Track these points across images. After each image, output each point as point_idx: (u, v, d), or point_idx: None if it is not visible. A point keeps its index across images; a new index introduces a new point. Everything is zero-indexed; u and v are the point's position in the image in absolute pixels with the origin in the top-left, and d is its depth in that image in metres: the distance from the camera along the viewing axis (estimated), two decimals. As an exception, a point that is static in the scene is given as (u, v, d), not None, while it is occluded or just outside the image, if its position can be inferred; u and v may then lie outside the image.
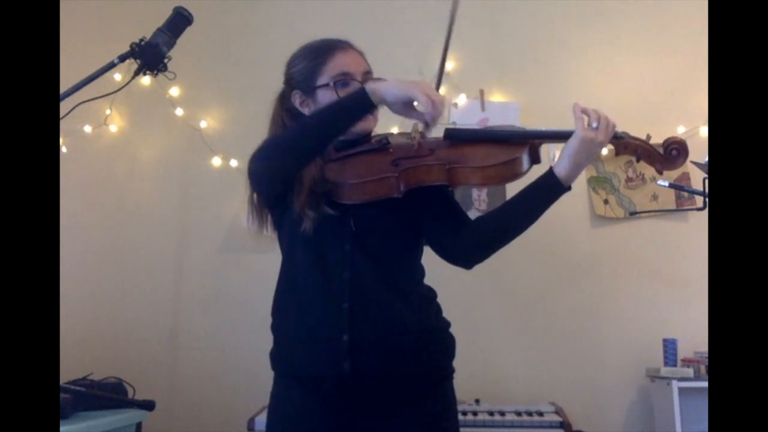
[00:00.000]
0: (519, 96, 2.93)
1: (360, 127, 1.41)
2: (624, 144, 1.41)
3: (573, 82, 2.93)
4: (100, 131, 3.03)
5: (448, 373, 1.46)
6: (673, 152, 1.38)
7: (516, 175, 1.38)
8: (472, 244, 1.44)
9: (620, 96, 2.89)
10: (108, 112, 3.00)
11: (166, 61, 1.47)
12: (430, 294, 1.49)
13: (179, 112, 3.01)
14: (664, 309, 2.74)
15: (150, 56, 1.45)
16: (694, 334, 2.58)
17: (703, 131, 2.80)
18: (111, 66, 1.43)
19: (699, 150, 2.73)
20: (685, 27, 2.87)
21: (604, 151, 2.83)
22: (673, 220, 2.82)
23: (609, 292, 2.78)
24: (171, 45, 1.48)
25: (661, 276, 2.77)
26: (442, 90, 2.91)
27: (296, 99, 1.48)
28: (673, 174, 2.78)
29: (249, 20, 3.10)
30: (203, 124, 3.01)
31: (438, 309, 1.50)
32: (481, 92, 2.91)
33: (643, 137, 1.42)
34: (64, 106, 1.28)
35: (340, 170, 1.38)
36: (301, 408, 1.37)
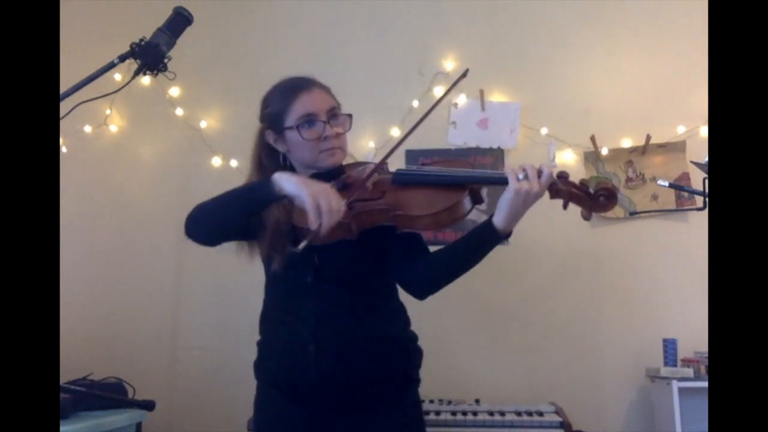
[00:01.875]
0: (519, 96, 2.93)
1: (327, 162, 1.54)
2: (555, 190, 1.44)
3: (573, 82, 2.93)
4: (100, 131, 3.03)
5: (408, 381, 1.57)
6: (601, 199, 1.42)
7: (457, 219, 1.47)
8: (420, 279, 1.53)
9: (620, 96, 2.90)
10: (108, 112, 3.00)
11: (166, 61, 1.47)
12: (398, 308, 1.61)
13: (179, 112, 3.01)
14: (664, 309, 2.74)
15: (150, 56, 1.45)
16: (694, 334, 2.58)
17: (703, 131, 2.80)
18: (111, 66, 1.43)
19: (699, 150, 2.76)
20: (685, 27, 2.87)
21: (604, 151, 2.84)
22: (673, 220, 2.82)
23: (609, 292, 2.78)
24: (171, 45, 1.48)
25: (661, 276, 2.77)
26: (442, 90, 2.93)
27: (270, 137, 1.59)
28: (673, 174, 2.79)
29: (249, 20, 3.10)
30: (203, 124, 3.01)
31: (406, 322, 1.61)
32: (481, 92, 2.91)
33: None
34: (64, 106, 1.28)
35: (301, 212, 1.42)
36: (280, 412, 1.52)
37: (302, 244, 1.32)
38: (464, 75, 1.58)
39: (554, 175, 1.44)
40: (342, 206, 1.34)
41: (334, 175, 1.53)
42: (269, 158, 1.59)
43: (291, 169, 1.59)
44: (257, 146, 1.62)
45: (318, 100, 1.54)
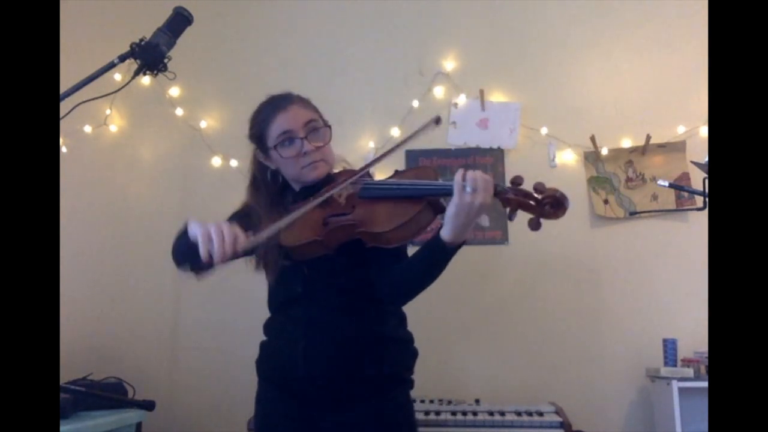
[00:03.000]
0: (519, 96, 2.93)
1: (311, 176, 1.58)
2: (504, 199, 1.37)
3: (573, 82, 2.93)
4: (100, 131, 3.03)
5: (401, 379, 1.60)
6: (547, 207, 1.34)
7: (419, 231, 1.44)
8: (387, 288, 1.55)
9: (620, 96, 2.90)
10: (108, 112, 3.00)
11: (166, 61, 1.47)
12: (391, 309, 1.62)
13: (179, 112, 3.01)
14: (664, 309, 2.74)
15: (150, 56, 1.45)
16: (694, 334, 2.58)
17: (703, 131, 2.80)
18: (111, 66, 1.43)
19: (699, 150, 2.76)
20: (684, 27, 2.88)
21: (604, 151, 2.84)
22: (673, 220, 2.82)
23: (609, 292, 2.79)
24: (171, 45, 1.48)
25: (661, 276, 2.77)
26: (442, 90, 2.94)
27: (260, 156, 1.65)
28: (673, 174, 2.79)
29: (249, 20, 3.10)
30: (203, 124, 3.01)
31: (399, 322, 1.64)
32: (481, 92, 2.91)
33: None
34: (64, 106, 1.28)
35: (287, 230, 1.47)
36: (275, 406, 1.59)
37: (201, 274, 1.42)
38: (437, 122, 1.56)
39: (496, 183, 1.38)
40: (234, 235, 1.34)
41: (321, 186, 1.56)
42: (263, 174, 1.65)
43: (285, 183, 1.65)
44: (252, 163, 1.68)
45: (293, 118, 1.57)
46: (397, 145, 1.60)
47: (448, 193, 1.38)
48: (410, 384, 1.63)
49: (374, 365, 1.53)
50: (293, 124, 1.56)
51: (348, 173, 1.62)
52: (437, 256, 1.42)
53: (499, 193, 1.37)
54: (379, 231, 1.43)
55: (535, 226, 1.34)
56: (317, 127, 1.59)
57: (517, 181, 1.37)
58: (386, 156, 1.58)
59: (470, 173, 1.35)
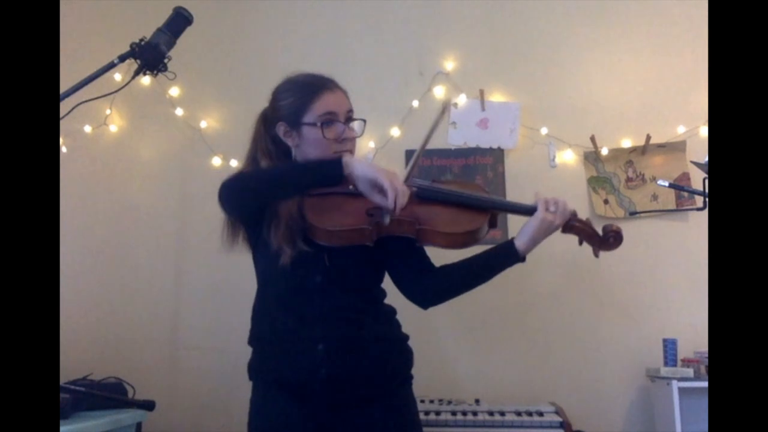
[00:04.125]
0: (519, 96, 2.92)
1: None
2: (569, 226, 1.60)
3: (573, 82, 2.93)
4: (100, 131, 3.03)
5: (405, 378, 1.62)
6: (611, 240, 1.57)
7: (476, 240, 1.55)
8: (430, 292, 1.61)
9: (620, 96, 2.90)
10: (108, 112, 3.00)
11: (166, 61, 1.47)
12: (391, 310, 1.65)
13: (179, 112, 3.01)
14: (664, 309, 2.74)
15: (150, 56, 1.45)
16: (694, 334, 2.58)
17: (703, 131, 2.80)
18: (111, 66, 1.43)
19: (699, 150, 2.76)
20: (685, 27, 2.87)
21: (604, 151, 2.84)
22: (673, 220, 2.82)
23: (609, 292, 2.78)
24: (171, 45, 1.48)
25: (661, 276, 2.77)
26: (442, 90, 2.94)
27: (281, 129, 1.58)
28: (673, 174, 2.79)
29: (249, 20, 3.10)
30: (203, 124, 3.01)
31: (399, 323, 1.66)
32: (481, 92, 2.91)
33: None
34: (64, 106, 1.28)
35: (318, 212, 1.48)
36: (282, 411, 1.52)
37: (386, 219, 1.42)
38: (444, 111, 1.62)
39: (572, 212, 1.58)
40: (407, 191, 1.42)
41: None
42: (277, 150, 1.59)
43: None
44: (263, 138, 1.60)
45: (340, 101, 1.57)
46: (423, 146, 1.58)
47: (530, 211, 1.57)
48: (412, 380, 1.65)
49: (388, 364, 1.55)
50: (339, 107, 1.55)
51: None
52: (503, 263, 1.56)
53: (573, 222, 1.58)
54: (442, 231, 1.49)
55: (596, 254, 1.60)
56: (353, 118, 1.60)
57: (575, 214, 1.60)
58: (419, 158, 1.57)
59: (554, 198, 1.56)
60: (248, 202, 1.51)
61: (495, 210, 1.59)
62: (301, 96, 1.55)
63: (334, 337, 1.50)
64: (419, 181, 1.60)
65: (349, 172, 1.39)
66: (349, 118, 1.57)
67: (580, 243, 1.61)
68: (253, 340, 1.63)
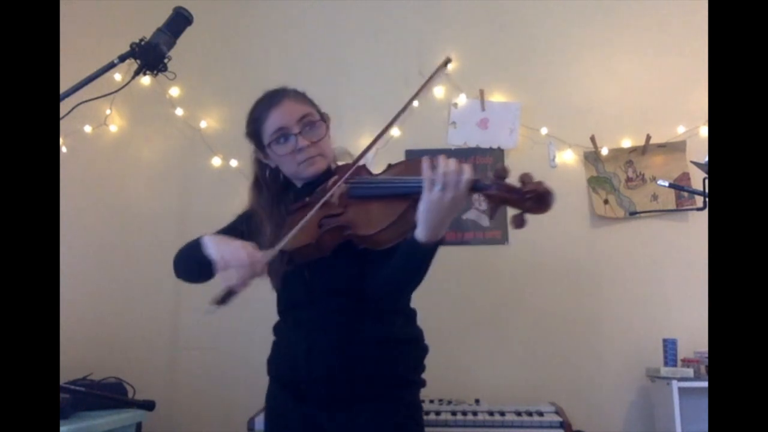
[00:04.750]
0: (519, 96, 2.93)
1: (308, 172, 1.56)
2: (486, 195, 1.26)
3: (573, 82, 2.93)
4: (100, 131, 3.03)
5: (408, 381, 1.56)
6: (528, 203, 1.21)
7: (406, 232, 1.34)
8: (375, 289, 1.50)
9: (620, 96, 2.90)
10: (108, 112, 3.00)
11: (166, 61, 1.47)
12: (396, 308, 1.58)
13: (179, 112, 3.01)
14: (664, 309, 2.74)
15: (150, 56, 1.44)
16: (694, 334, 2.58)
17: (703, 131, 2.80)
18: (111, 66, 1.43)
19: (699, 150, 2.76)
20: (684, 27, 2.88)
21: (604, 151, 2.84)
22: (673, 220, 2.82)
23: (609, 292, 2.78)
24: (171, 45, 1.47)
25: (661, 276, 2.77)
26: (442, 90, 2.94)
27: (258, 155, 1.63)
28: (673, 174, 2.79)
29: (249, 20, 3.10)
30: (203, 124, 3.01)
31: (405, 321, 1.60)
32: (481, 92, 2.91)
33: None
34: (64, 106, 1.28)
35: (281, 234, 1.45)
36: (282, 405, 1.58)
37: (210, 308, 1.40)
38: (445, 64, 1.55)
39: (476, 177, 1.27)
40: (256, 259, 1.35)
41: (322, 181, 1.54)
42: (263, 173, 1.64)
43: (286, 181, 1.62)
44: (252, 162, 1.66)
45: (287, 113, 1.54)
46: (405, 107, 1.55)
47: (416, 189, 1.29)
48: (418, 384, 1.59)
49: (376, 366, 1.50)
50: (287, 120, 1.54)
51: (346, 168, 1.53)
52: (414, 257, 1.35)
53: (479, 189, 1.26)
54: (368, 233, 1.36)
55: (518, 223, 1.22)
56: (313, 121, 1.56)
57: (500, 174, 1.24)
58: (378, 140, 1.54)
59: (441, 165, 1.25)
60: (189, 279, 1.64)
61: (411, 194, 1.33)
62: (253, 122, 1.59)
63: (317, 339, 1.50)
64: (361, 178, 1.49)
65: (207, 253, 1.43)
66: (307, 123, 1.54)
67: (491, 215, 1.34)
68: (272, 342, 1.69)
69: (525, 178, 1.22)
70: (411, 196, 1.33)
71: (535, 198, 1.20)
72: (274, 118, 1.54)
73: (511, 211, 1.24)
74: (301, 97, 1.60)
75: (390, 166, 1.52)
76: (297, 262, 1.49)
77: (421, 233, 1.30)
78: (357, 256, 1.47)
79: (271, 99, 1.58)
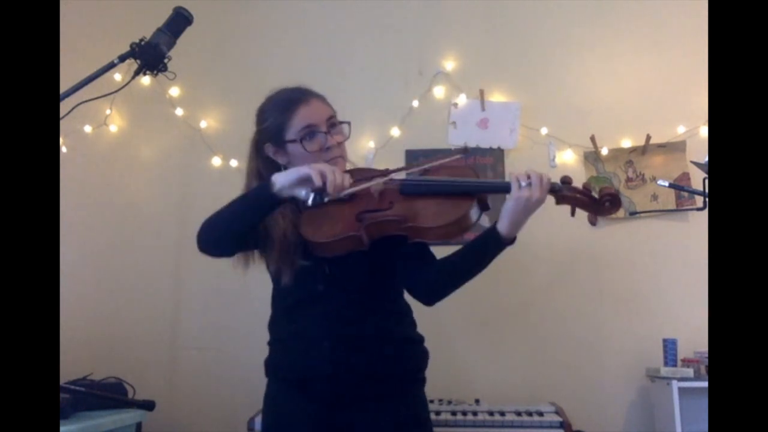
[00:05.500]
0: (519, 96, 2.93)
1: None
2: (560, 196, 1.49)
3: (573, 82, 2.93)
4: (100, 131, 3.03)
5: (418, 378, 1.61)
6: (606, 204, 1.46)
7: (466, 228, 1.50)
8: (428, 286, 1.57)
9: (620, 96, 2.90)
10: (108, 112, 3.00)
11: (166, 61, 1.47)
12: (405, 309, 1.65)
13: (179, 112, 3.01)
14: (664, 309, 2.74)
15: (150, 56, 1.45)
16: (694, 334, 2.58)
17: (703, 131, 2.80)
18: (111, 66, 1.43)
19: (699, 150, 2.76)
20: (685, 26, 2.87)
21: (604, 151, 2.84)
22: (673, 220, 2.82)
23: (609, 292, 2.78)
24: (171, 45, 1.48)
25: (661, 276, 2.77)
26: (442, 90, 2.94)
27: (270, 150, 1.60)
28: (673, 174, 2.79)
29: (249, 20, 3.10)
30: (203, 124, 3.01)
31: (413, 323, 1.66)
32: (481, 92, 2.91)
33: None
34: (64, 106, 1.28)
35: (310, 225, 1.48)
36: (292, 407, 1.55)
37: (311, 200, 1.36)
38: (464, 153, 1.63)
39: (553, 181, 1.47)
40: (341, 171, 1.40)
41: None
42: (268, 171, 1.60)
43: None
44: (254, 159, 1.63)
45: (317, 111, 1.56)
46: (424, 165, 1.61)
47: (505, 189, 1.46)
48: (425, 382, 1.64)
49: (396, 364, 1.54)
50: (317, 118, 1.55)
51: (361, 171, 1.60)
52: (490, 249, 1.47)
53: (556, 191, 1.46)
54: (429, 226, 1.45)
55: (594, 221, 1.48)
56: (336, 122, 1.59)
57: (567, 180, 1.48)
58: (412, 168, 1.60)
59: (527, 171, 1.44)
60: (220, 244, 1.54)
61: (478, 194, 1.50)
62: (278, 115, 1.57)
63: (339, 335, 1.51)
64: (403, 177, 1.56)
65: (277, 189, 1.40)
66: (332, 124, 1.57)
67: (573, 213, 1.51)
68: (270, 342, 1.65)
69: (587, 185, 1.48)
70: (475, 196, 1.49)
71: (611, 200, 1.45)
72: (304, 115, 1.55)
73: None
74: (324, 98, 1.62)
75: (426, 170, 1.60)
76: (320, 256, 1.49)
77: (504, 227, 1.45)
78: (379, 254, 1.51)
79: (299, 95, 1.58)
